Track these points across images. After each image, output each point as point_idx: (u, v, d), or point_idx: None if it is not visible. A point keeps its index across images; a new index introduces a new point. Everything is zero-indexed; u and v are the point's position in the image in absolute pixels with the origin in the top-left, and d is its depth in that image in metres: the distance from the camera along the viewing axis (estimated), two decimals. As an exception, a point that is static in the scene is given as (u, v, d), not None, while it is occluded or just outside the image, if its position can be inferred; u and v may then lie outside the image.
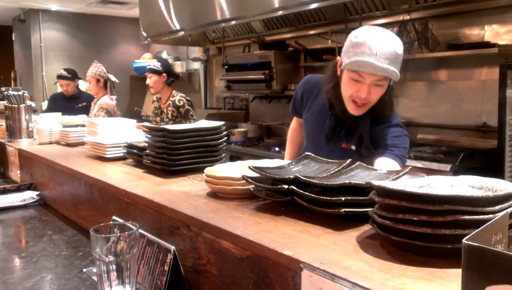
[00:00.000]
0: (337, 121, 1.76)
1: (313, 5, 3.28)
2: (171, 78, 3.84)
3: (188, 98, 3.84)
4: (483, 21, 3.07)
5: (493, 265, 0.41)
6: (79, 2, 6.20)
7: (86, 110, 4.35)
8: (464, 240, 0.45)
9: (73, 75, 4.63)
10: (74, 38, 7.04)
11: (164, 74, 3.78)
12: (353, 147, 1.74)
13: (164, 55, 6.49)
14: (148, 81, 3.81)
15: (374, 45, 1.54)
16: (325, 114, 1.81)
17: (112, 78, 4.44)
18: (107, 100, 4.28)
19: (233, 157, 4.14)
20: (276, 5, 3.58)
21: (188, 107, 3.75)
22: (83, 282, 1.25)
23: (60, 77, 4.66)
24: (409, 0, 3.15)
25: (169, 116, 3.74)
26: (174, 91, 3.85)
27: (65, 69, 4.71)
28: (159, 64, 3.83)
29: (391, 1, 3.29)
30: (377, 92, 1.62)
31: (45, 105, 6.66)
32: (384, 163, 1.55)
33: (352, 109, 1.67)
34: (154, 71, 3.78)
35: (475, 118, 3.14)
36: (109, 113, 4.15)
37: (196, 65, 6.22)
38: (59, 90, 4.86)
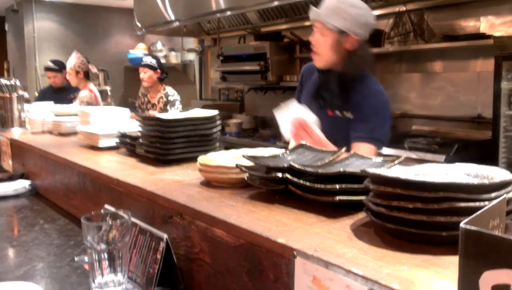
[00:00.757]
0: (321, 83, 1.88)
1: (309, -5, 3.26)
2: (164, 74, 4.03)
3: (176, 94, 4.07)
4: (478, 12, 3.06)
5: (491, 249, 0.40)
6: (72, -8, 6.13)
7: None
8: (461, 224, 0.44)
9: (60, 67, 4.55)
10: (68, 28, 6.96)
11: (158, 70, 3.95)
12: (338, 113, 1.81)
13: (159, 46, 6.44)
14: (142, 75, 3.94)
15: None
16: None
17: (93, 69, 4.41)
18: (86, 93, 4.27)
19: (228, 148, 4.12)
20: (272, -5, 3.55)
21: (177, 97, 3.97)
22: (74, 270, 1.24)
23: (47, 69, 4.60)
24: (405, -10, 3.14)
25: (162, 106, 3.87)
26: (164, 86, 4.04)
27: (52, 61, 4.63)
28: (155, 60, 3.99)
29: (387, -9, 3.28)
30: (320, 41, 1.80)
31: (38, 96, 6.60)
32: (359, 150, 1.55)
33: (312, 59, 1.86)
34: (150, 67, 3.92)
35: (470, 109, 3.15)
36: (91, 105, 4.15)
37: (191, 56, 6.18)
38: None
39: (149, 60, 3.98)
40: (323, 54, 1.80)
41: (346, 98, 1.79)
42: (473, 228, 0.42)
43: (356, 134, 1.73)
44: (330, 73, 1.81)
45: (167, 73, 4.18)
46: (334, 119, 1.80)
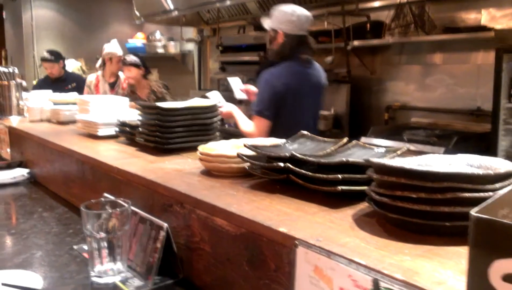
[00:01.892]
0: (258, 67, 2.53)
1: (310, -14, 3.23)
2: (147, 71, 4.09)
3: (165, 83, 4.15)
4: (479, 5, 3.04)
5: (502, 238, 0.40)
6: (70, -20, 6.07)
7: (78, 91, 4.26)
8: (472, 213, 0.43)
9: (56, 57, 4.47)
10: (66, 17, 6.90)
11: (142, 67, 4.02)
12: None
13: (158, 35, 6.39)
14: (127, 74, 4.00)
15: None
16: None
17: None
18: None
19: (228, 139, 4.11)
20: (272, -15, 3.53)
21: (165, 91, 4.04)
22: (73, 259, 1.24)
23: (43, 59, 4.54)
24: (407, -18, 3.11)
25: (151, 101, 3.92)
26: (149, 80, 4.10)
27: (48, 51, 4.54)
28: (137, 58, 4.05)
29: (388, -18, 3.26)
30: (266, 37, 2.39)
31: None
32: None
33: None
34: (134, 65, 3.99)
35: (469, 102, 3.14)
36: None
37: (190, 46, 6.14)
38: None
39: (132, 59, 4.05)
40: (270, 48, 2.38)
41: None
42: (484, 216, 0.41)
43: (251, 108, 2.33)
44: (265, 60, 2.41)
45: (149, 69, 4.29)
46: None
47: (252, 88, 2.69)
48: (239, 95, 2.69)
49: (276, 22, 2.26)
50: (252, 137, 2.15)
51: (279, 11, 2.29)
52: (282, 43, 2.28)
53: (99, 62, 4.41)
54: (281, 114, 2.32)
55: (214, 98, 2.65)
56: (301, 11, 2.33)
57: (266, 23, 2.31)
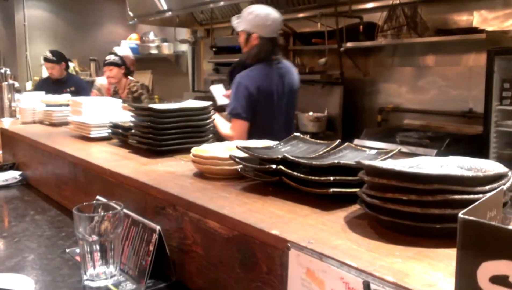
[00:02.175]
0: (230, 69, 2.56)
1: (303, -13, 3.24)
2: (128, 69, 4.14)
3: (143, 83, 4.16)
4: (471, 7, 3.07)
5: (490, 240, 0.40)
6: (63, -20, 6.04)
7: (76, 95, 4.22)
8: (460, 215, 0.43)
9: (58, 58, 4.45)
10: (59, 17, 6.86)
11: (122, 66, 4.06)
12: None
13: (151, 36, 6.37)
14: (108, 74, 4.05)
15: None
16: None
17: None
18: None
19: (221, 141, 4.11)
20: (266, -14, 3.53)
21: (141, 90, 4.06)
22: (65, 262, 1.23)
23: (45, 59, 4.52)
24: (399, -16, 3.13)
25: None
26: (129, 79, 4.14)
27: (51, 51, 4.53)
28: (118, 57, 4.09)
29: (381, -16, 3.27)
30: (239, 40, 2.43)
31: (29, 85, 6.51)
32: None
33: None
34: (115, 64, 4.03)
35: (461, 104, 3.16)
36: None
37: (184, 47, 6.13)
38: (43, 73, 4.73)
39: (112, 58, 4.10)
40: (243, 48, 2.42)
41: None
42: (471, 218, 0.42)
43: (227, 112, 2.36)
44: (237, 61, 2.45)
45: (131, 68, 4.33)
46: None
47: None
48: (221, 101, 2.75)
49: (250, 25, 2.30)
50: (232, 139, 2.08)
51: (253, 14, 2.31)
52: (256, 45, 2.33)
53: None
54: (256, 116, 2.37)
55: (216, 91, 2.79)
56: (274, 15, 2.37)
57: (239, 25, 2.35)
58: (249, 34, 2.31)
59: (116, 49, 4.38)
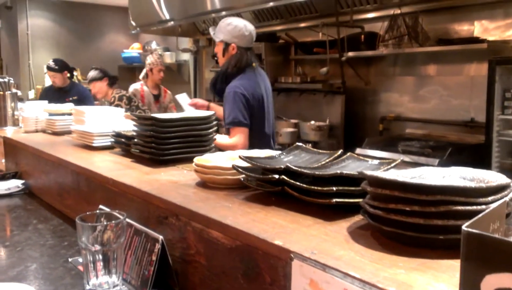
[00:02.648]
0: (213, 78, 2.64)
1: (305, -3, 3.27)
2: (111, 79, 4.16)
3: (123, 94, 4.10)
4: (472, 16, 3.08)
5: (493, 253, 0.40)
6: (67, -10, 6.09)
7: (78, 104, 4.22)
8: (463, 227, 0.44)
9: (60, 67, 4.47)
10: (62, 26, 6.92)
11: (104, 78, 4.10)
12: (220, 104, 2.57)
13: (154, 45, 6.42)
14: (93, 90, 4.12)
15: None
16: None
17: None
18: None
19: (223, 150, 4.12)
20: (267, -4, 3.56)
21: (118, 102, 4.02)
22: (68, 271, 1.23)
23: (47, 68, 4.56)
24: (400, -7, 3.15)
25: None
26: (111, 90, 4.16)
27: (54, 60, 4.56)
28: (97, 71, 4.11)
29: (382, -6, 3.29)
30: (217, 50, 2.55)
31: (31, 94, 6.54)
32: (230, 136, 2.38)
33: None
34: (94, 80, 4.08)
35: (463, 113, 3.17)
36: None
37: (186, 56, 6.16)
38: (46, 81, 4.78)
39: (91, 75, 4.14)
40: (219, 57, 2.51)
41: (224, 92, 2.44)
42: (475, 231, 0.42)
43: (224, 123, 2.42)
44: (219, 71, 2.51)
45: (115, 77, 4.37)
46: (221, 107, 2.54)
47: (200, 101, 3.03)
48: (188, 109, 2.90)
49: (229, 35, 2.43)
50: (237, 148, 2.25)
51: (232, 25, 2.45)
52: (235, 55, 2.45)
53: (143, 73, 4.48)
54: (252, 122, 2.45)
55: (182, 100, 3.06)
56: (251, 26, 2.53)
57: (218, 36, 2.46)
58: (227, 44, 2.44)
59: (148, 58, 4.40)
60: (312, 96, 4.07)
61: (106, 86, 4.12)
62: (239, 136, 2.38)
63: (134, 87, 4.43)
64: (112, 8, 7.14)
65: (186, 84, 6.16)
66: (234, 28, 2.44)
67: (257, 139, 2.44)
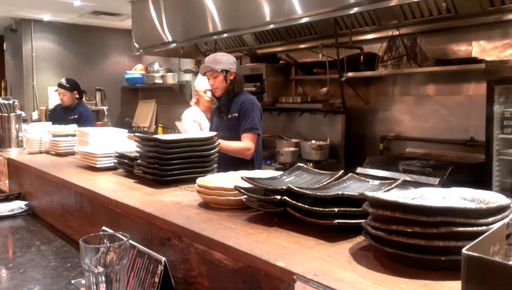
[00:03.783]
0: (219, 102, 3.02)
1: (304, 20, 3.32)
2: (80, 93, 4.38)
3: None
4: (470, 37, 3.13)
5: (493, 275, 0.41)
6: (71, 13, 6.19)
7: (77, 123, 4.23)
8: (464, 250, 0.45)
9: (71, 86, 4.58)
10: (66, 48, 7.01)
11: (75, 91, 4.29)
12: (229, 116, 2.89)
13: (156, 66, 6.49)
14: (61, 97, 4.39)
15: None
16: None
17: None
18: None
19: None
20: (268, 18, 3.62)
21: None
22: (71, 293, 1.23)
23: (59, 85, 4.64)
24: (398, 15, 3.20)
25: None
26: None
27: (66, 79, 4.69)
28: (71, 82, 4.36)
29: (380, 16, 3.35)
30: (215, 81, 2.88)
31: (35, 114, 6.60)
32: (245, 138, 2.78)
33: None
34: (66, 88, 4.35)
35: (462, 132, 3.18)
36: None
37: (188, 77, 6.23)
38: (49, 102, 4.87)
39: (64, 82, 4.28)
40: (220, 87, 2.88)
41: (233, 107, 2.87)
42: (475, 254, 0.43)
43: (242, 128, 2.80)
44: (223, 95, 2.89)
45: (83, 91, 4.54)
46: (228, 120, 2.88)
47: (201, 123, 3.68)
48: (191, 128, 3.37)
49: (227, 64, 2.87)
50: (251, 150, 2.77)
51: (225, 56, 2.91)
52: (235, 77, 2.89)
53: (194, 99, 4.33)
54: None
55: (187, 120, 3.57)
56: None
57: (218, 67, 2.84)
58: (226, 71, 2.85)
59: (195, 84, 4.25)
60: (313, 115, 4.10)
61: (75, 99, 4.34)
62: (255, 140, 2.81)
63: (194, 112, 4.07)
64: (116, 30, 7.24)
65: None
66: (228, 57, 2.91)
67: (259, 143, 2.95)
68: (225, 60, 2.88)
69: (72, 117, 4.47)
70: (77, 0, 5.44)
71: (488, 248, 0.46)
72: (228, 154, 2.73)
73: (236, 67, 2.95)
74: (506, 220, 0.71)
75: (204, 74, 2.99)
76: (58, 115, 4.56)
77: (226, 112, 2.90)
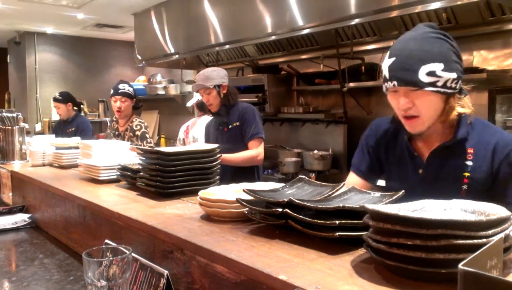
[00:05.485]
0: (217, 116, 3.06)
1: (305, 31, 3.35)
2: (138, 103, 3.81)
3: (145, 123, 3.73)
4: (471, 47, 3.14)
5: (488, 290, 0.42)
6: (74, 26, 6.25)
7: (75, 135, 4.18)
8: (460, 266, 0.45)
9: (64, 98, 4.53)
10: (69, 60, 7.07)
11: (134, 98, 3.71)
12: (230, 126, 2.94)
13: (159, 77, 6.53)
14: (119, 104, 3.61)
15: None
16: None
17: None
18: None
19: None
20: (269, 30, 3.65)
21: (144, 130, 3.63)
22: (74, 307, 1.23)
23: (53, 99, 4.67)
24: (398, 26, 3.22)
25: (126, 140, 3.57)
26: (134, 116, 3.74)
27: (60, 92, 4.69)
28: (131, 89, 3.71)
29: (381, 27, 3.37)
30: (209, 97, 2.92)
31: (38, 126, 6.64)
32: (253, 144, 2.87)
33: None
34: (128, 95, 3.65)
35: (466, 141, 3.18)
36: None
37: (190, 88, 6.26)
38: (53, 115, 4.88)
39: (126, 88, 3.69)
40: (215, 103, 2.91)
41: (232, 117, 2.91)
42: (471, 270, 0.43)
43: (248, 136, 2.84)
44: (220, 108, 2.92)
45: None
46: (229, 131, 2.91)
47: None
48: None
49: (218, 78, 2.90)
50: (261, 155, 2.85)
51: (216, 70, 2.95)
52: (229, 90, 2.93)
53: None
54: None
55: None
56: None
57: (212, 83, 2.87)
58: (219, 86, 2.88)
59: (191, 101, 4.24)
60: (315, 126, 4.10)
61: (132, 107, 3.71)
62: (261, 146, 2.88)
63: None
64: (119, 42, 7.31)
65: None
66: (219, 72, 2.94)
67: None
68: (216, 75, 2.90)
69: (70, 130, 4.46)
70: (80, 13, 5.50)
71: (485, 263, 0.46)
72: (239, 165, 2.78)
73: (228, 80, 2.96)
74: (506, 232, 0.71)
75: (197, 91, 3.02)
76: (59, 129, 4.58)
77: (226, 123, 2.93)
